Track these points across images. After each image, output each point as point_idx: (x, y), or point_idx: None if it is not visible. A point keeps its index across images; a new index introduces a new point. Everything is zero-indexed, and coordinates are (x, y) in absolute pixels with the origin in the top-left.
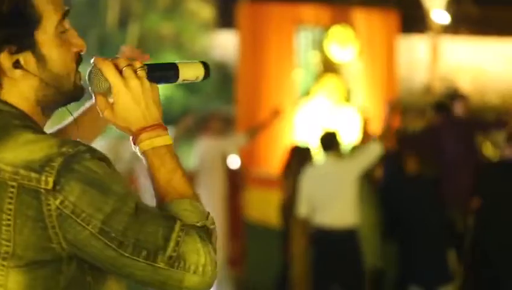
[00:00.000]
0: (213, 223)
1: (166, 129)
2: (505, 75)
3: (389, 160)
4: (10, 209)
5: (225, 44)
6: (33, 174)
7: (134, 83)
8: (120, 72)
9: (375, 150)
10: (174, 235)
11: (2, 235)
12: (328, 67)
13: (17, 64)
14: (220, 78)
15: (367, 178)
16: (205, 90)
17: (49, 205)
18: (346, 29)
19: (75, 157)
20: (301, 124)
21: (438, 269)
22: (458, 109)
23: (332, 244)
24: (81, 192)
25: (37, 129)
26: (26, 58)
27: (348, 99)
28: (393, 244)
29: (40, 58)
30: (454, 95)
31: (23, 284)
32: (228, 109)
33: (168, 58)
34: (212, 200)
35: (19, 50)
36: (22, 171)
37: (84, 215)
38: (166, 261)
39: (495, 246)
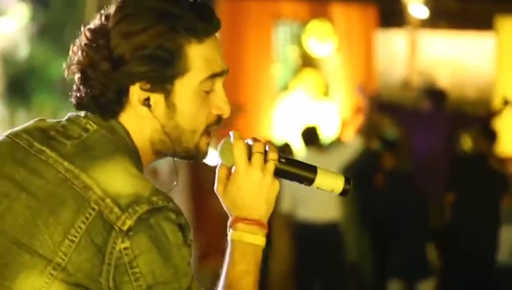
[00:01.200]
0: None
1: (265, 231)
2: (484, 70)
3: (367, 155)
4: (80, 228)
5: None
6: (116, 209)
7: (256, 173)
8: (250, 155)
9: (355, 145)
10: None
11: (61, 247)
12: (307, 61)
13: (145, 102)
14: None
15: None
16: None
17: (115, 243)
18: (325, 24)
19: (159, 212)
20: (280, 119)
21: (417, 263)
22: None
23: (315, 238)
24: (147, 249)
25: (139, 167)
26: (157, 101)
27: (326, 94)
28: (371, 238)
29: (170, 107)
30: (433, 91)
31: None
32: None
33: None
34: (177, 195)
35: (152, 89)
36: (108, 201)
37: (137, 271)
38: None
39: (470, 239)
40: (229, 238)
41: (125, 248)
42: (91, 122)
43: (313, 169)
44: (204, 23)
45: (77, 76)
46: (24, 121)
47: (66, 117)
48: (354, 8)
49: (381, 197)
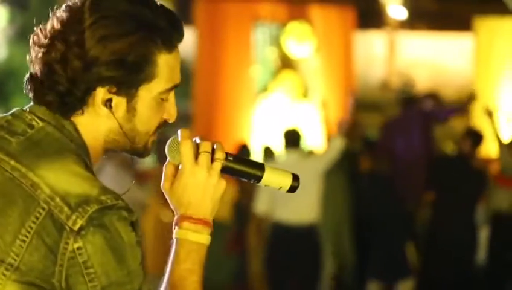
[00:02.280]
0: None
1: (210, 229)
2: (463, 71)
3: (349, 157)
4: (31, 228)
5: (183, 41)
6: (66, 208)
7: (201, 172)
8: (197, 154)
9: (337, 145)
10: None
11: (13, 248)
12: (286, 63)
13: (107, 103)
14: None
15: (336, 174)
16: None
17: (67, 244)
18: (303, 25)
19: (110, 210)
20: (259, 120)
21: (396, 264)
22: (428, 107)
23: (290, 240)
24: (100, 249)
25: (88, 166)
26: (119, 103)
27: (305, 95)
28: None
29: (131, 111)
30: (425, 95)
31: None
32: (185, 105)
33: None
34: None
35: (118, 93)
36: (57, 200)
37: (92, 271)
38: None
39: (450, 239)
40: (174, 236)
41: (78, 248)
42: (36, 119)
43: (260, 167)
44: (177, 33)
45: (39, 68)
46: None
47: (10, 112)
48: (333, 10)
49: (360, 198)
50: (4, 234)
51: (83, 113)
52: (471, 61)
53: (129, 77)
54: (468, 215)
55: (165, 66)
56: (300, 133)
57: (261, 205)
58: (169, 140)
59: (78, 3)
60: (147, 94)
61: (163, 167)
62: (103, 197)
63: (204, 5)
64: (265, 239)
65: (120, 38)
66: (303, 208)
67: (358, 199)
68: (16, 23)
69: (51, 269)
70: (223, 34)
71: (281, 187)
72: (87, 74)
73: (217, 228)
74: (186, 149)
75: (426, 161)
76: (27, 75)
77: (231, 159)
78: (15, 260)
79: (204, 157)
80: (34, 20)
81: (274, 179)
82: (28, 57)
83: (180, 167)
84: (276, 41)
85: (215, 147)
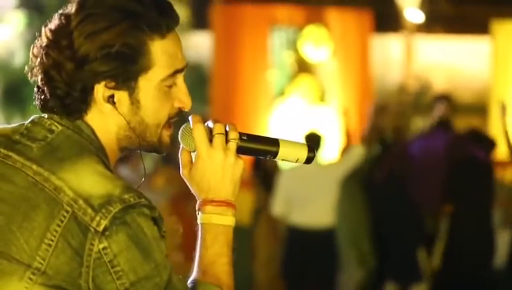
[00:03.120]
0: None
1: (233, 210)
2: (480, 74)
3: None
4: (56, 231)
5: (200, 45)
6: (89, 210)
7: (218, 154)
8: (211, 137)
9: (357, 153)
10: None
11: (39, 252)
12: (303, 67)
13: (110, 100)
14: (194, 79)
15: (355, 179)
16: None
17: (92, 245)
18: (320, 29)
19: (133, 209)
20: (276, 124)
21: (409, 268)
22: (440, 110)
23: (306, 244)
24: (125, 247)
25: (107, 165)
26: (121, 98)
27: (322, 99)
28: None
29: (134, 103)
30: (438, 97)
31: None
32: (202, 110)
33: None
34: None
35: (117, 87)
36: (80, 202)
37: (119, 269)
38: None
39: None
40: (198, 221)
41: (103, 248)
42: (56, 123)
43: (275, 142)
44: (166, 18)
45: (40, 77)
46: None
47: (29, 120)
48: (350, 13)
49: (377, 200)
50: (29, 238)
51: (88, 114)
52: (488, 65)
53: (123, 69)
54: (486, 221)
55: (161, 52)
56: (322, 136)
57: (278, 208)
58: (182, 127)
59: (67, 9)
60: (147, 84)
61: (179, 155)
62: (126, 196)
63: (221, 9)
64: (281, 243)
65: (106, 31)
66: (319, 213)
67: (373, 202)
68: (33, 28)
69: (78, 271)
70: (239, 38)
71: (297, 159)
72: (81, 73)
73: (237, 232)
74: (200, 133)
75: (444, 167)
76: (35, 88)
77: (245, 138)
78: (41, 264)
79: (218, 139)
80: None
81: (290, 153)
82: (25, 68)
83: (195, 153)
84: (293, 45)
85: (227, 128)
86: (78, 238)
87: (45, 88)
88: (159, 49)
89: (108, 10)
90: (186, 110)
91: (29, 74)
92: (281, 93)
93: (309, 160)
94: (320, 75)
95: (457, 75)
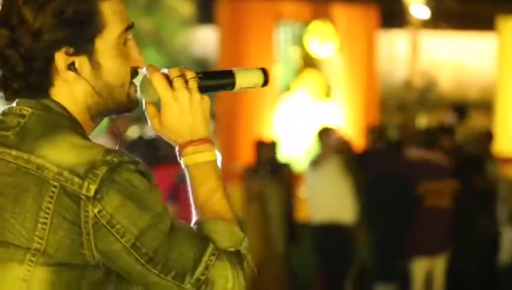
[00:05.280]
0: (247, 249)
1: (213, 144)
2: (486, 71)
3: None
4: (49, 209)
5: (205, 40)
6: (76, 179)
7: (182, 95)
8: (170, 82)
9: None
10: (204, 259)
11: (36, 233)
12: (308, 62)
13: (71, 67)
14: None
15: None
16: None
17: (87, 211)
18: (326, 25)
19: (119, 167)
20: (281, 120)
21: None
22: (450, 118)
23: (336, 239)
24: (120, 204)
25: (84, 134)
26: (82, 63)
27: (328, 95)
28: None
29: (95, 66)
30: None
31: (47, 282)
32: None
33: (148, 54)
34: None
35: (76, 53)
36: (66, 174)
37: (119, 227)
38: (193, 283)
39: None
40: (183, 166)
41: (99, 211)
42: (25, 108)
43: (230, 74)
44: None
45: None
46: None
47: (0, 112)
48: (356, 9)
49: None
50: (24, 221)
51: (53, 88)
52: (494, 61)
53: (79, 33)
54: (490, 215)
55: (111, 12)
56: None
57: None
58: (140, 80)
59: None
60: (104, 45)
61: (144, 110)
62: (108, 158)
63: (227, 4)
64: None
65: None
66: (345, 208)
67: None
68: None
69: (79, 241)
70: (245, 33)
71: (256, 84)
72: (39, 45)
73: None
74: (159, 80)
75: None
76: None
77: (201, 76)
78: (40, 244)
79: (179, 81)
80: None
81: (247, 80)
82: None
83: (160, 101)
84: (298, 41)
85: (183, 71)
86: (72, 210)
87: (4, 70)
88: (108, 9)
89: None
90: (142, 68)
91: None
92: (287, 88)
93: (266, 82)
94: (326, 70)
95: (463, 72)
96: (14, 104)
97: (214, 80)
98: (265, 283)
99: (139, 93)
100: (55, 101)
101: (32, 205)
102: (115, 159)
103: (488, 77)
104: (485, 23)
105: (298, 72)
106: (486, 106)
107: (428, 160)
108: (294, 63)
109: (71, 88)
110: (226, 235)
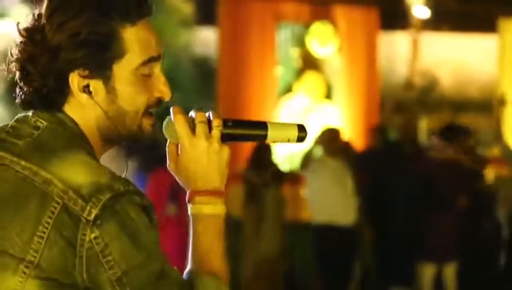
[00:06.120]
0: None
1: (222, 198)
2: (486, 70)
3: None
4: (48, 223)
5: (206, 40)
6: (80, 201)
7: (201, 142)
8: (194, 126)
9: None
10: None
11: (31, 245)
12: (309, 63)
13: (85, 89)
14: (200, 74)
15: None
16: (186, 87)
17: (84, 235)
18: (327, 26)
19: (122, 197)
20: (282, 121)
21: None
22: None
23: (335, 240)
24: (116, 236)
25: (93, 155)
26: (96, 87)
27: (328, 96)
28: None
29: (111, 91)
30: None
31: None
32: (209, 105)
33: None
34: None
35: (91, 76)
36: (70, 193)
37: (110, 258)
38: None
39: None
40: (189, 213)
41: (95, 237)
42: (41, 120)
43: (263, 125)
44: (135, 6)
45: (17, 74)
46: None
47: (14, 119)
48: (356, 10)
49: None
50: (21, 232)
51: (67, 106)
52: (495, 62)
53: (95, 56)
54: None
55: (134, 39)
56: (340, 134)
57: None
58: (165, 120)
59: (40, 10)
60: (122, 71)
61: (166, 148)
62: (115, 185)
63: (228, 5)
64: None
65: (74, 19)
66: (345, 209)
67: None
68: None
69: (71, 261)
70: (246, 34)
71: (288, 140)
72: (55, 63)
73: (232, 225)
74: (181, 123)
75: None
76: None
77: (230, 124)
78: (34, 257)
79: (200, 127)
80: None
81: (280, 134)
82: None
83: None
84: (299, 42)
85: (210, 116)
86: (70, 229)
87: (22, 83)
88: (131, 36)
89: (76, 0)
90: (166, 100)
91: (6, 72)
92: (288, 89)
93: (301, 139)
94: (327, 71)
95: (464, 73)
96: (29, 114)
97: (245, 130)
98: (261, 284)
99: (164, 131)
100: (70, 117)
101: (32, 217)
102: (121, 188)
103: (488, 77)
104: (485, 24)
105: (299, 73)
106: (486, 106)
107: (452, 160)
108: (294, 64)
109: (84, 109)
110: None
